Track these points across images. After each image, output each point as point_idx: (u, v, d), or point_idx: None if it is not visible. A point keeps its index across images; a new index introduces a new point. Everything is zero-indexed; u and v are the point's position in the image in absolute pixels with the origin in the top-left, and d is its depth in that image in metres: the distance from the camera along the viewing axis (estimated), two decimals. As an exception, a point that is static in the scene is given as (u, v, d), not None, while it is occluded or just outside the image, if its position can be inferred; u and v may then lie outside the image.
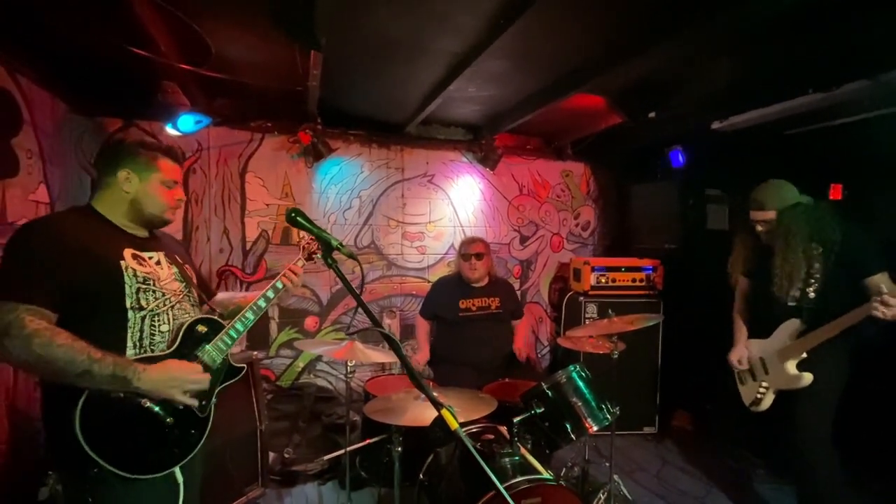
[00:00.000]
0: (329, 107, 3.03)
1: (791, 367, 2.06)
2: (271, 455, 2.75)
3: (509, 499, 0.98)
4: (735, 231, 2.46)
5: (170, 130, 2.55)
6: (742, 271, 2.38)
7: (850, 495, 2.06)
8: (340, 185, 3.48)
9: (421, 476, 2.15)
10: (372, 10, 1.85)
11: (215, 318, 1.43)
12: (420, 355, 2.89)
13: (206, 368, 1.33)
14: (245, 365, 1.47)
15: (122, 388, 1.15)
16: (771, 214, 2.09)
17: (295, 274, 1.52)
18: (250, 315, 1.43)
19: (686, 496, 2.70)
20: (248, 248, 3.27)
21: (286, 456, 2.83)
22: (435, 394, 2.00)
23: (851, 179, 2.68)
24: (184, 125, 2.47)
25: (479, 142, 3.68)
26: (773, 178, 2.16)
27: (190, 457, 1.30)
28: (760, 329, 2.24)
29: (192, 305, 1.43)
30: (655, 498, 2.68)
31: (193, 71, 2.26)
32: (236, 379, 1.45)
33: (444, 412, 1.05)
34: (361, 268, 1.31)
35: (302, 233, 1.35)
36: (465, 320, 2.87)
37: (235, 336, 1.40)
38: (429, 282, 3.62)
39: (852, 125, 2.57)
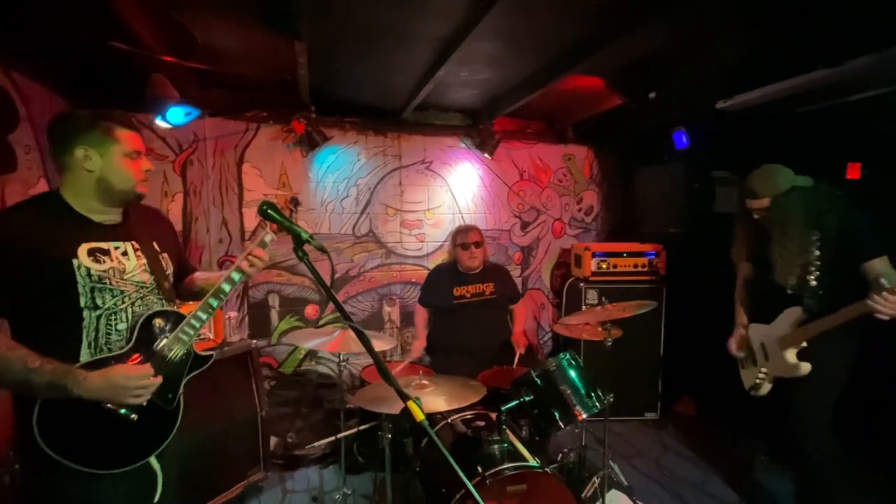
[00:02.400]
0: (323, 95, 3.01)
1: (790, 355, 2.01)
2: (275, 439, 2.82)
3: (473, 490, 0.98)
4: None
5: (160, 123, 2.57)
6: (745, 257, 2.32)
7: (849, 486, 2.02)
8: (337, 173, 3.47)
9: (414, 462, 2.19)
10: (350, -4, 1.81)
11: (174, 309, 1.37)
12: (418, 343, 2.93)
13: (166, 361, 1.28)
14: (212, 353, 1.45)
15: (62, 396, 1.11)
16: (765, 202, 2.03)
17: (259, 258, 1.41)
18: (213, 301, 1.35)
19: (685, 483, 2.69)
20: (246, 237, 3.31)
21: (289, 440, 2.90)
22: (425, 381, 2.07)
23: (871, 158, 2.55)
24: (173, 117, 2.49)
25: (478, 127, 3.62)
26: (767, 164, 2.08)
27: (163, 447, 1.29)
28: (763, 315, 2.19)
29: (160, 299, 1.36)
30: (653, 484, 2.67)
31: (180, 63, 2.26)
32: (204, 368, 1.41)
33: (410, 404, 1.05)
34: (331, 261, 1.31)
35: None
36: (459, 307, 2.88)
37: (198, 325, 1.33)
38: (428, 269, 3.62)
39: (871, 100, 2.44)
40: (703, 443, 3.09)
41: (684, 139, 3.29)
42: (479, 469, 1.74)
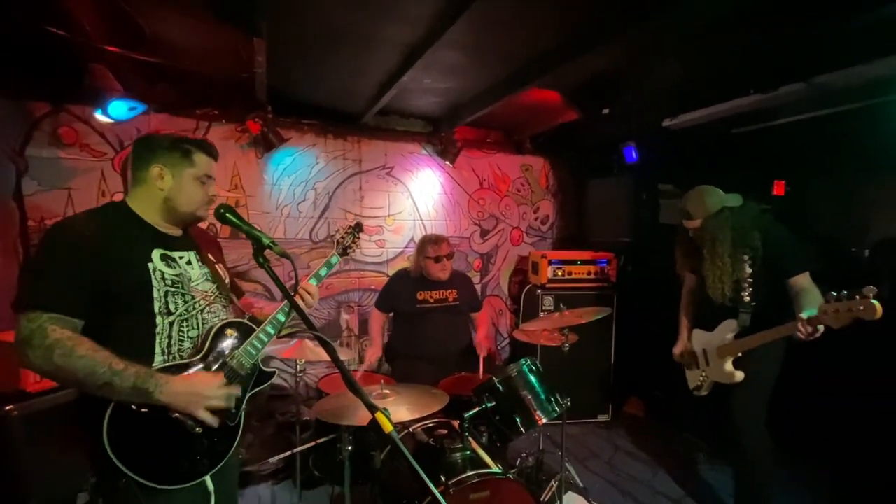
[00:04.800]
0: (280, 95, 2.91)
1: (727, 364, 2.15)
2: (222, 456, 2.66)
3: (441, 499, 0.97)
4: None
5: (100, 117, 2.37)
6: (688, 270, 2.46)
7: (779, 479, 2.18)
8: (294, 176, 3.36)
9: (373, 473, 2.14)
10: (315, -4, 1.77)
11: (245, 321, 1.38)
12: (372, 351, 2.84)
13: (235, 375, 1.28)
14: (275, 370, 1.43)
15: (143, 401, 1.11)
16: (697, 223, 2.16)
17: (309, 294, 1.46)
18: (281, 317, 1.37)
19: (635, 480, 2.81)
20: (195, 242, 3.12)
21: (238, 456, 2.74)
22: (387, 390, 2.03)
23: (793, 176, 2.82)
24: (115, 111, 2.30)
25: (439, 134, 3.65)
26: (700, 185, 2.21)
27: (220, 466, 1.26)
28: (707, 322, 2.33)
29: (224, 307, 1.38)
30: (606, 484, 2.77)
31: (124, 54, 2.10)
32: (265, 385, 1.39)
33: (379, 415, 1.02)
34: (295, 268, 1.28)
35: (337, 225, 1.28)
36: (422, 312, 2.85)
37: (266, 339, 1.35)
38: (388, 276, 3.57)
39: (794, 124, 2.70)
40: (650, 442, 3.25)
41: (634, 153, 3.48)
42: (443, 478, 1.73)
